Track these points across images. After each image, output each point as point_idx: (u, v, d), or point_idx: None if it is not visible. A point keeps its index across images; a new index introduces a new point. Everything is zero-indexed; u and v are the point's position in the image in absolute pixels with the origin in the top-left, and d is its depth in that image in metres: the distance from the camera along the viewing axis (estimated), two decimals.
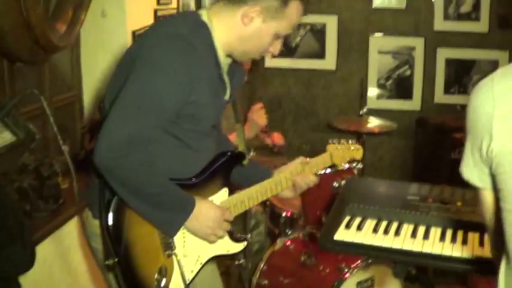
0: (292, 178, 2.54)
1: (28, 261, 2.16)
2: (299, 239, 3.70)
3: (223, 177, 2.37)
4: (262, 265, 3.62)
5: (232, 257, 3.70)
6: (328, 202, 3.54)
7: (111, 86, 2.19)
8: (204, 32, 2.13)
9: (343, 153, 2.78)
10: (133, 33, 3.76)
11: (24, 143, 1.71)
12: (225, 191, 2.37)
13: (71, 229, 3.10)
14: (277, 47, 2.26)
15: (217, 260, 2.47)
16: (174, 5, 4.34)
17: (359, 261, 3.27)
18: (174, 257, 2.20)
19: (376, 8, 5.26)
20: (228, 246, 2.42)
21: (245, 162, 2.47)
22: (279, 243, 3.70)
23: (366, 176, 4.77)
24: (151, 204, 2.08)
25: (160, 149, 2.11)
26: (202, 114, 2.14)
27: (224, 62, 2.23)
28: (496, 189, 1.32)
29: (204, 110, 2.14)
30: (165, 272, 2.18)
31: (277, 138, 4.36)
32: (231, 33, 2.17)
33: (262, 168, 2.60)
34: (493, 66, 5.16)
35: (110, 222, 2.07)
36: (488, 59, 5.22)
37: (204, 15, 2.17)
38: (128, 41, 3.74)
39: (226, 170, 2.38)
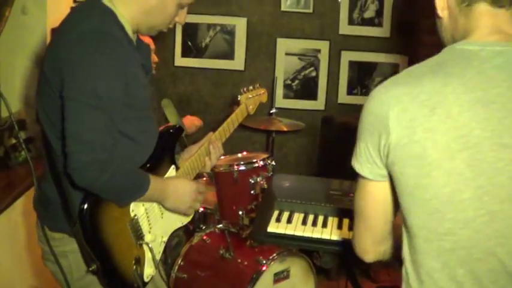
0: (208, 150, 2.65)
1: None
2: (215, 234, 3.81)
3: (169, 156, 2.46)
4: (180, 260, 3.71)
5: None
6: (244, 198, 3.70)
7: (42, 98, 2.17)
8: (111, 16, 2.14)
9: (254, 100, 2.95)
10: (53, 30, 3.75)
11: None
12: (173, 168, 2.46)
13: None
14: (182, 16, 2.31)
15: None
16: None
17: (275, 254, 3.43)
18: (144, 245, 2.29)
19: (284, 11, 5.41)
20: (181, 219, 2.54)
21: (183, 134, 2.57)
22: (196, 238, 3.80)
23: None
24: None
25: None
26: (139, 96, 2.18)
27: (133, 39, 2.25)
28: (393, 183, 1.56)
29: (139, 92, 2.18)
30: (139, 261, 2.27)
31: (188, 121, 4.41)
32: (134, 9, 2.18)
33: None
34: (394, 69, 5.43)
35: (87, 228, 2.10)
36: (389, 63, 5.47)
37: (105, 0, 2.16)
38: (47, 39, 3.73)
39: (171, 147, 2.47)
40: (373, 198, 1.64)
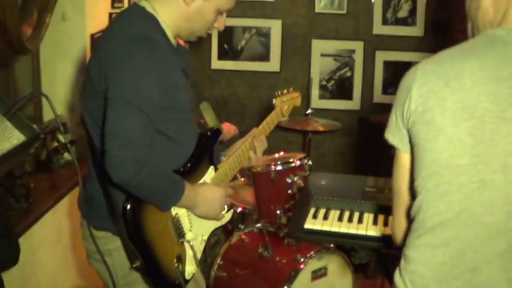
0: (252, 144, 2.70)
1: (14, 256, 2.26)
2: (253, 233, 3.86)
3: (208, 156, 2.51)
4: (219, 259, 3.77)
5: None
6: (282, 197, 3.75)
7: (87, 101, 2.26)
8: (153, 22, 2.22)
9: (288, 103, 2.98)
10: (92, 36, 3.85)
11: (30, 142, 1.80)
12: (211, 169, 2.52)
13: (40, 227, 3.18)
14: (221, 22, 2.38)
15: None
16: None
17: (313, 252, 3.48)
18: (186, 243, 2.36)
19: (319, 13, 5.45)
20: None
21: (221, 137, 2.62)
22: (235, 237, 3.86)
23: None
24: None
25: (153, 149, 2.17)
26: (179, 99, 2.25)
27: (174, 44, 2.33)
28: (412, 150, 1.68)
29: (179, 95, 2.25)
30: (180, 259, 2.33)
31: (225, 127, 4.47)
32: (176, 15, 2.26)
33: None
34: None
35: (130, 226, 2.17)
36: None
37: (147, 6, 2.25)
38: (87, 44, 3.82)
39: (209, 149, 2.52)
40: (406, 172, 1.73)
